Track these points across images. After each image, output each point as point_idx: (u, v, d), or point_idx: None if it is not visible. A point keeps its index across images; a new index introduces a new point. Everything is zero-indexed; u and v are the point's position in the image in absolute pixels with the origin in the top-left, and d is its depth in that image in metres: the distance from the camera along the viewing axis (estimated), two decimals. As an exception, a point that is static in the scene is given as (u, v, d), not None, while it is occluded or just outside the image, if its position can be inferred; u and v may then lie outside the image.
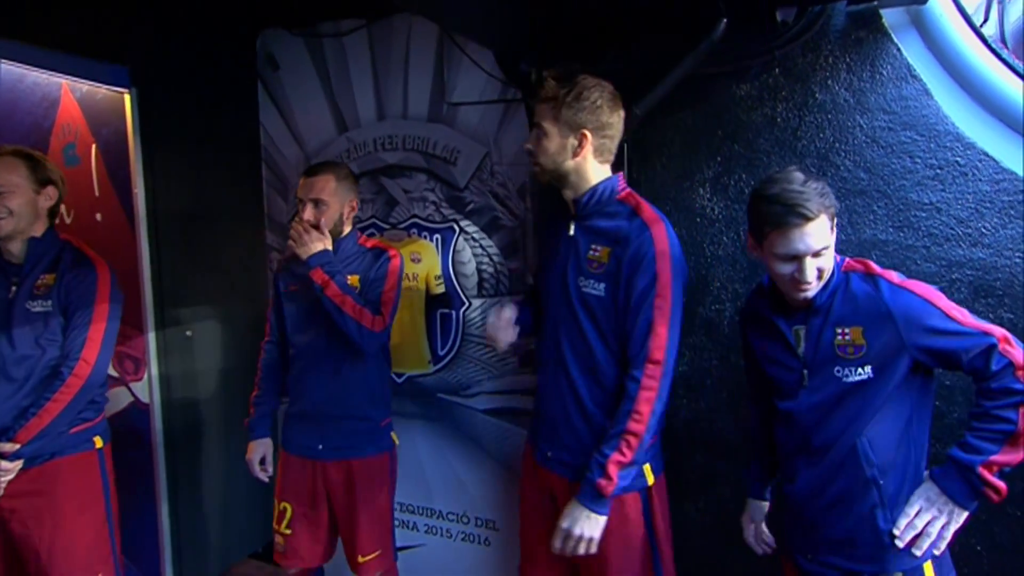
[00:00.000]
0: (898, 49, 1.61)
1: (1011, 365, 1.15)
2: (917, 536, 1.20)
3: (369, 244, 1.91)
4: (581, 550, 1.37)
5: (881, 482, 1.23)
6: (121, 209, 2.18)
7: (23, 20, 1.92)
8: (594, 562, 1.45)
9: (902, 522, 1.22)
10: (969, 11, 1.57)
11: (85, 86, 2.11)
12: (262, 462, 1.92)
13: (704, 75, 1.77)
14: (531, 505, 1.64)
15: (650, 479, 1.47)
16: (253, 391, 1.95)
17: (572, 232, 1.49)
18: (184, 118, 2.27)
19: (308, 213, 1.77)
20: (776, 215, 1.17)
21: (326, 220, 1.78)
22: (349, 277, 1.78)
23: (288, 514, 1.85)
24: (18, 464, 1.60)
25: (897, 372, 1.21)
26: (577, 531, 1.35)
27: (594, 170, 1.46)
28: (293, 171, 2.46)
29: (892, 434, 1.24)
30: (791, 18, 1.67)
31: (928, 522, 1.20)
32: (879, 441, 1.24)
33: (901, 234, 1.63)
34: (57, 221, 1.83)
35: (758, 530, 1.55)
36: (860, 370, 1.22)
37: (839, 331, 1.24)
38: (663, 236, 1.38)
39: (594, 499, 1.35)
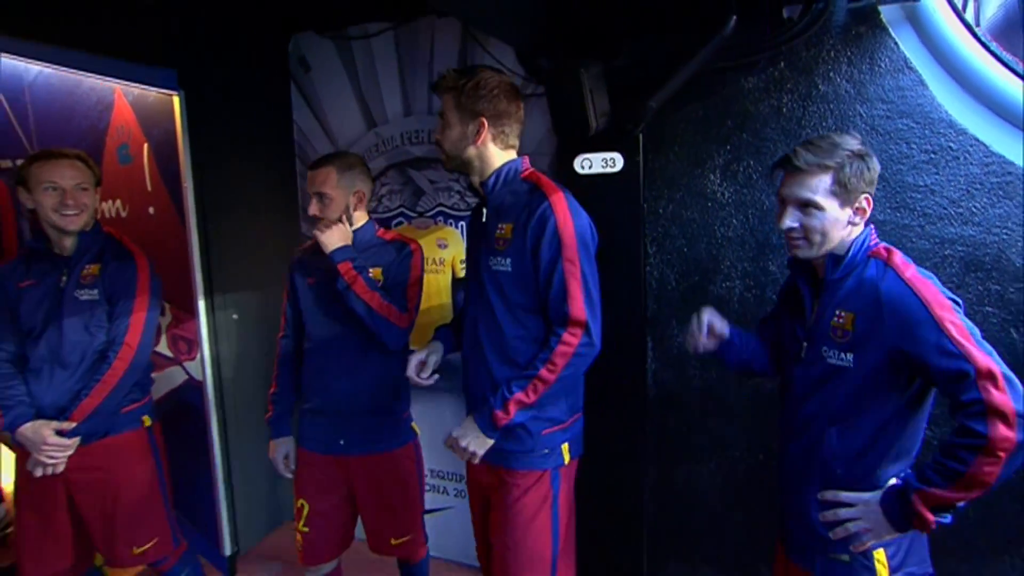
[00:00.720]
0: (895, 43, 1.69)
1: (982, 403, 1.03)
2: (838, 523, 1.19)
3: (388, 236, 1.85)
4: (464, 458, 1.43)
5: (839, 472, 1.20)
6: (171, 203, 2.26)
7: (78, 29, 2.00)
8: (498, 539, 1.48)
9: (828, 514, 1.21)
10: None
11: (137, 89, 2.18)
12: (286, 459, 1.87)
13: (714, 69, 1.84)
14: (473, 499, 1.67)
15: (566, 459, 1.47)
16: (271, 387, 1.89)
17: (484, 218, 1.49)
18: (226, 117, 2.36)
19: (313, 207, 1.75)
20: (782, 156, 1.22)
21: (331, 212, 1.74)
22: (372, 270, 1.74)
23: (305, 511, 1.82)
24: (76, 441, 1.67)
25: (874, 366, 1.14)
26: (463, 443, 1.39)
27: (496, 155, 1.46)
28: (325, 165, 2.57)
29: (863, 433, 1.19)
30: (796, 15, 1.75)
31: (853, 520, 1.17)
32: (849, 436, 1.19)
33: (897, 214, 1.72)
34: (98, 216, 1.89)
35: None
36: (842, 355, 1.17)
37: (838, 312, 1.19)
38: (563, 204, 1.38)
39: (488, 426, 1.37)
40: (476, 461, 1.42)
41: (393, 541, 1.86)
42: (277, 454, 1.85)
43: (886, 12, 1.69)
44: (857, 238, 1.21)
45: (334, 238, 1.68)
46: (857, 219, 1.20)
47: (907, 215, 1.71)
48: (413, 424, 1.92)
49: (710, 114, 1.92)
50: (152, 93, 2.18)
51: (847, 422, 1.19)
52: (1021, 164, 1.59)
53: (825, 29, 1.75)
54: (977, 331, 1.09)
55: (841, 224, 1.18)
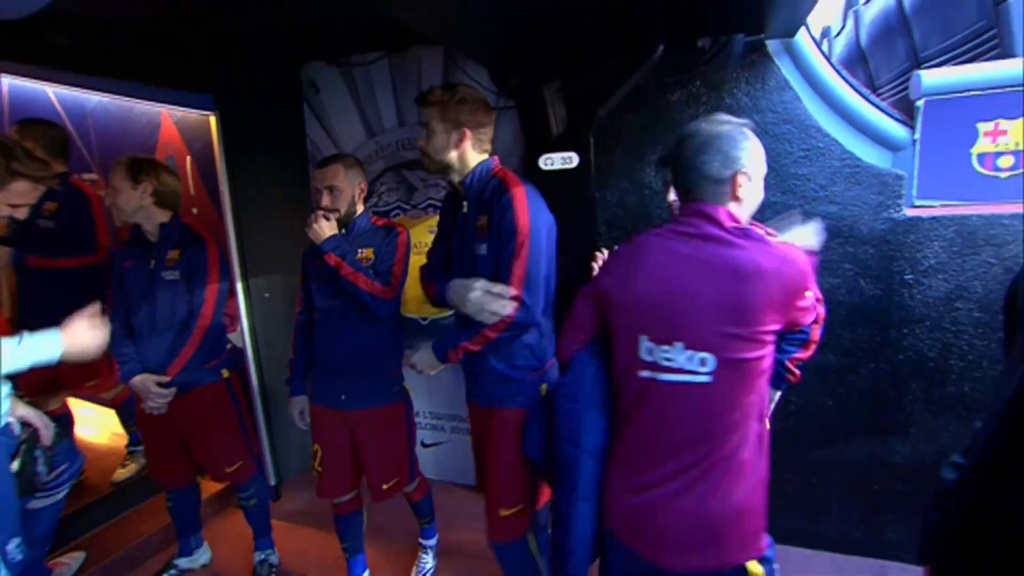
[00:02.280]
0: (778, 68, 2.08)
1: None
2: None
3: (380, 223, 1.98)
4: (417, 371, 1.66)
5: None
6: (211, 204, 2.56)
7: (133, 63, 2.22)
8: (492, 458, 1.68)
9: None
10: (828, 28, 2.02)
11: (180, 112, 2.48)
12: (301, 414, 2.06)
13: (647, 86, 2.20)
14: (473, 432, 1.84)
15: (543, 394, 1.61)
16: (291, 355, 2.06)
17: (465, 209, 1.63)
18: (252, 132, 2.63)
19: (325, 199, 1.86)
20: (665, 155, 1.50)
21: (341, 203, 1.87)
22: (364, 250, 1.89)
23: (319, 455, 2.02)
24: (172, 390, 1.98)
25: None
26: (415, 360, 1.64)
27: (473, 157, 1.59)
28: (334, 168, 2.88)
29: None
30: (708, 45, 2.11)
31: None
32: None
33: (784, 196, 2.13)
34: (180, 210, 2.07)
35: None
36: None
37: None
38: (522, 198, 1.50)
39: (441, 355, 1.59)
40: (421, 374, 1.67)
41: (384, 486, 2.02)
42: (293, 410, 2.05)
43: (771, 45, 2.08)
44: None
45: (322, 232, 1.81)
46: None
47: (791, 198, 2.13)
48: (404, 384, 2.07)
49: (646, 121, 2.29)
50: (193, 114, 2.48)
51: None
52: (864, 159, 2.02)
53: (729, 57, 2.11)
54: None
55: None
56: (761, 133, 2.12)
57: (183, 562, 2.37)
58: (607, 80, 2.13)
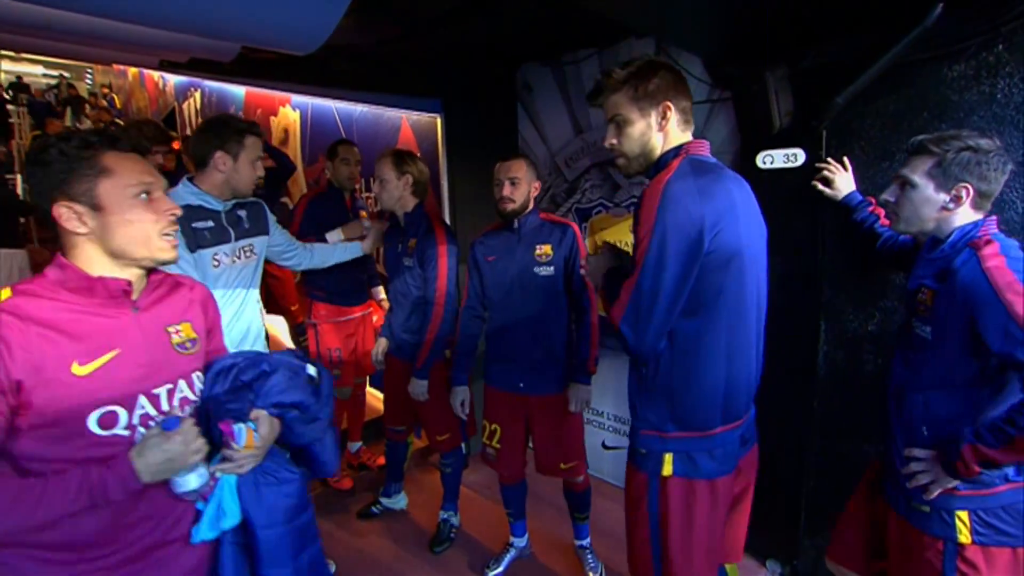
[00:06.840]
0: None
1: None
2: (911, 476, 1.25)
3: (553, 218, 2.01)
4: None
5: (925, 432, 1.22)
6: (434, 194, 2.78)
7: (380, 78, 2.56)
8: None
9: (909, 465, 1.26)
10: None
11: (415, 115, 2.76)
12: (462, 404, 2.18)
13: (908, 61, 1.65)
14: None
15: (665, 470, 1.23)
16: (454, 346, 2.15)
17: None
18: (471, 130, 2.76)
19: (507, 190, 1.94)
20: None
21: (519, 195, 1.93)
22: (541, 247, 1.92)
23: (498, 434, 2.11)
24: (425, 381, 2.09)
25: (954, 341, 1.14)
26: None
27: (677, 138, 1.26)
28: (542, 165, 2.84)
29: (948, 401, 1.19)
30: None
31: (922, 471, 1.22)
32: (933, 404, 1.21)
33: None
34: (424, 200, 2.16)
35: None
36: (924, 328, 1.21)
37: (923, 289, 1.23)
38: (655, 191, 1.14)
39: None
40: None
41: (562, 466, 2.09)
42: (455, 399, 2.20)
43: None
44: (964, 226, 1.20)
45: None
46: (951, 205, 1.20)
47: None
48: None
49: (902, 107, 1.72)
50: (425, 117, 2.72)
51: (936, 392, 1.21)
52: None
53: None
54: None
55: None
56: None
57: (386, 501, 2.66)
58: (852, 59, 1.67)
